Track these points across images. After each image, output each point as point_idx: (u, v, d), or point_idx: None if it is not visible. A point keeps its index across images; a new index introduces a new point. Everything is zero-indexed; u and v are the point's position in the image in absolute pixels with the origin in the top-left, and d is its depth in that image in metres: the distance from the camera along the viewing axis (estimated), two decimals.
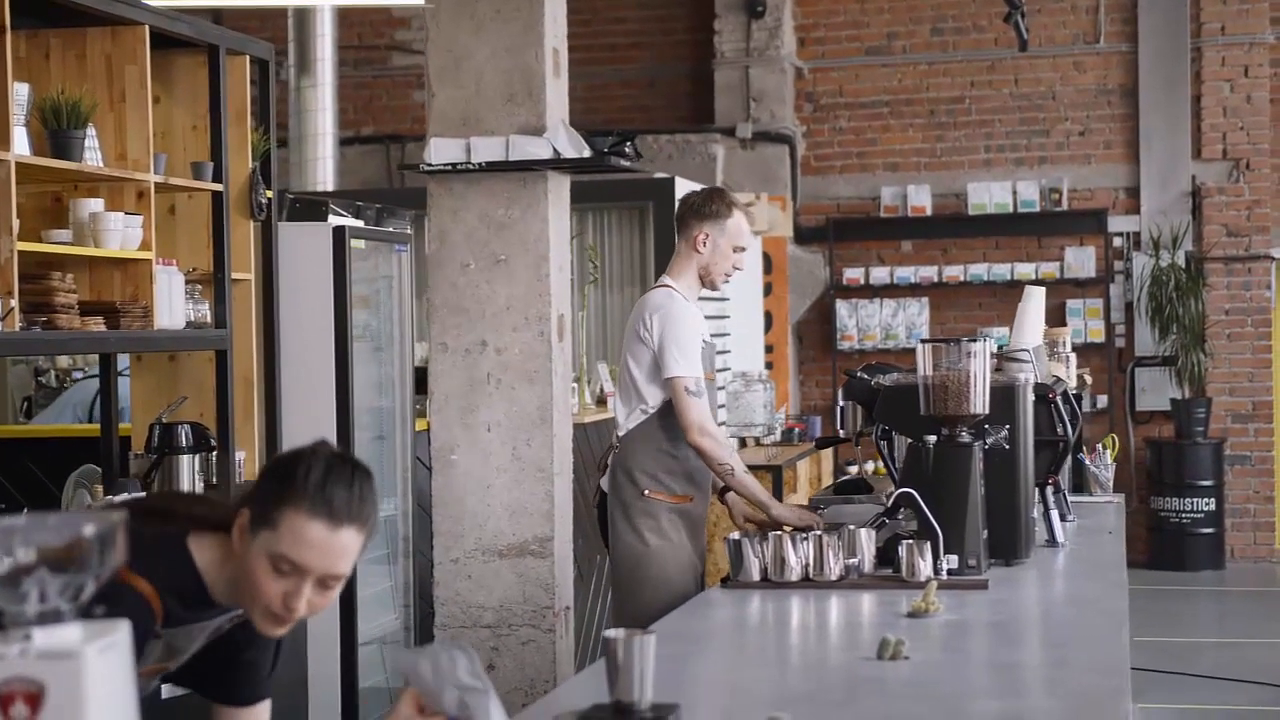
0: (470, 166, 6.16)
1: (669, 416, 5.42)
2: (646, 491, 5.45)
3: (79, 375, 9.02)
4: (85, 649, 1.79)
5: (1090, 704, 3.07)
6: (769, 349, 12.92)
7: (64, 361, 8.52)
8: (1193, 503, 12.77)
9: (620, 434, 5.58)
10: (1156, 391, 13.14)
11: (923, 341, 4.63)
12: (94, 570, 1.83)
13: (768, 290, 12.98)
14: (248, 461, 6.15)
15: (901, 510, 4.60)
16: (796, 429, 11.63)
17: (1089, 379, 11.03)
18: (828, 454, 11.72)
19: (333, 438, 6.62)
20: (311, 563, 2.67)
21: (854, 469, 12.72)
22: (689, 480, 5.50)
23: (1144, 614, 10.69)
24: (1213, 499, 12.80)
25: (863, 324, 13.50)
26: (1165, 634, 10.43)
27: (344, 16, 13.25)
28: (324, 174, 11.21)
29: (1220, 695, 8.73)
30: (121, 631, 1.85)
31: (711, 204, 5.57)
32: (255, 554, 2.68)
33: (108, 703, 1.81)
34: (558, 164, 6.21)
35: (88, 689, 1.78)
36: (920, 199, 13.41)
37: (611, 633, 2.82)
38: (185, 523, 2.81)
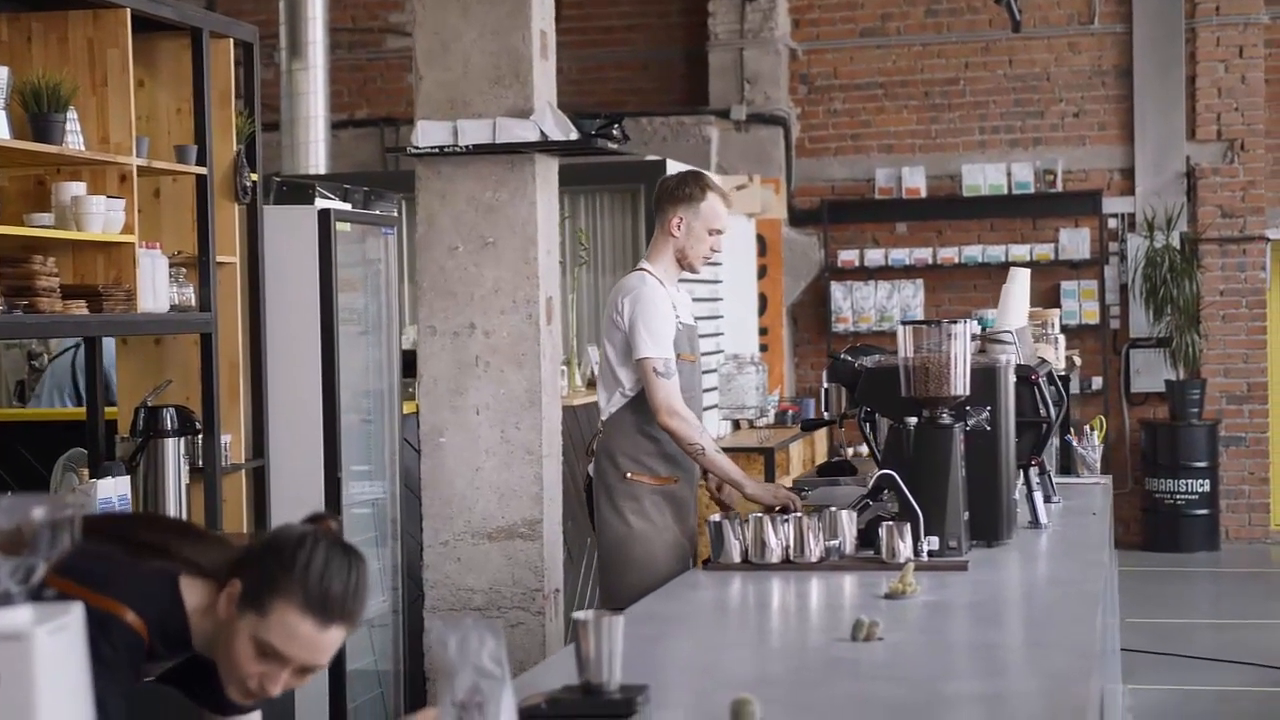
0: (457, 149, 6.16)
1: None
2: (629, 474, 5.48)
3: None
4: (36, 631, 1.79)
5: (1057, 684, 3.08)
6: (764, 331, 12.92)
7: (56, 345, 8.52)
8: (1187, 484, 12.78)
9: (603, 418, 5.61)
10: (1151, 373, 13.14)
11: (903, 323, 4.64)
12: (44, 553, 1.83)
13: (762, 272, 12.98)
14: (234, 445, 6.15)
15: (884, 492, 4.60)
16: (790, 411, 11.63)
17: (1078, 360, 11.02)
18: (821, 436, 11.73)
19: (319, 421, 6.63)
20: (296, 655, 2.68)
21: (849, 451, 12.73)
22: (672, 462, 5.51)
23: (1138, 595, 10.70)
24: (1207, 480, 12.80)
25: (857, 306, 13.50)
26: (1159, 615, 10.44)
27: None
28: (315, 157, 11.20)
29: (1213, 676, 8.74)
30: (73, 614, 1.85)
31: (685, 187, 5.59)
32: (241, 632, 2.68)
33: (59, 685, 1.81)
34: (545, 146, 6.21)
35: (38, 671, 1.79)
36: (915, 181, 13.40)
37: (580, 615, 2.83)
38: (180, 564, 2.78)
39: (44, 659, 1.80)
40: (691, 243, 5.56)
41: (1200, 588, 11.98)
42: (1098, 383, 13.10)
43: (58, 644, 1.82)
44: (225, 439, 6.00)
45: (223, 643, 2.71)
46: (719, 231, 5.60)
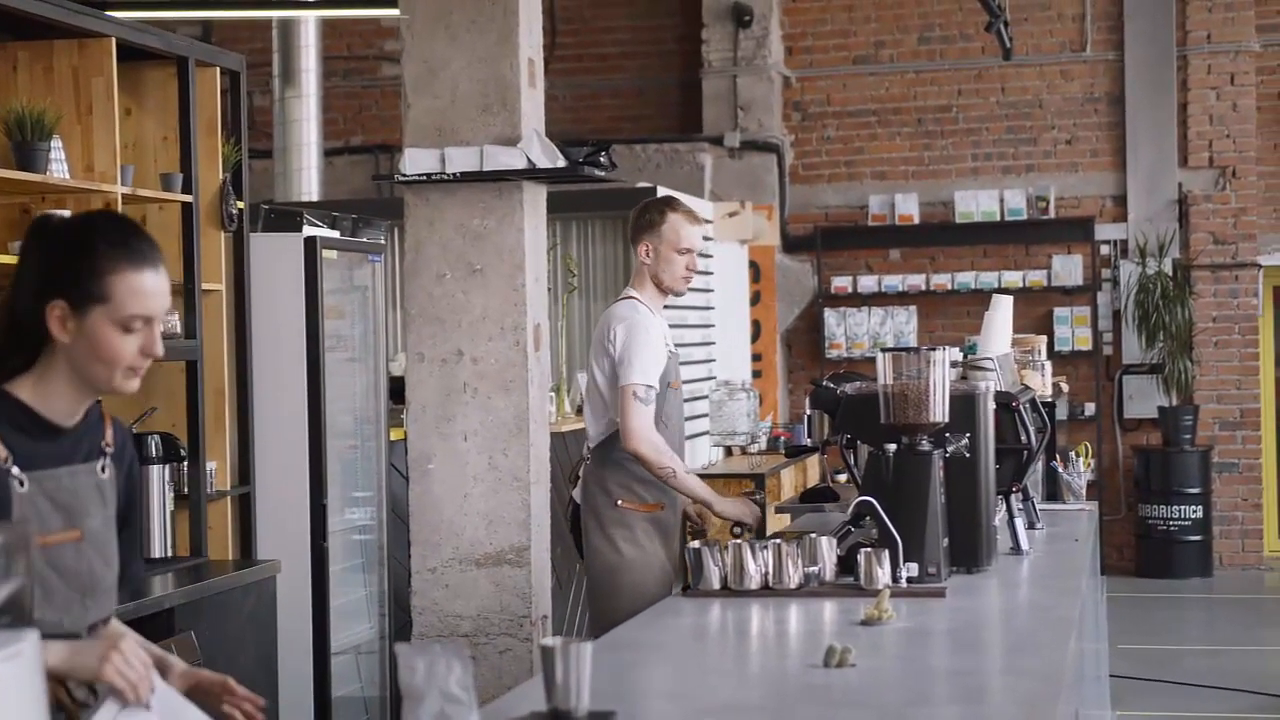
0: (445, 177, 6.18)
1: None
2: (620, 502, 5.52)
3: None
4: None
5: (1025, 710, 3.09)
6: (757, 357, 12.94)
7: None
8: (1180, 510, 12.78)
9: (591, 445, 5.65)
10: (1144, 399, 13.15)
11: (883, 350, 4.65)
12: None
13: (756, 299, 13.01)
14: (219, 471, 6.17)
15: (864, 518, 4.60)
16: (783, 437, 11.63)
17: (1065, 387, 11.04)
18: (814, 462, 11.73)
19: (305, 448, 6.64)
20: (155, 309, 2.82)
21: (843, 477, 12.73)
22: (658, 489, 5.54)
23: (1130, 621, 10.71)
24: (1200, 506, 12.81)
25: (851, 332, 13.51)
26: (1151, 642, 10.43)
27: (333, 27, 13.29)
28: (308, 184, 11.23)
29: (1205, 703, 8.73)
30: (29, 641, 1.87)
31: (646, 214, 5.72)
32: (96, 330, 2.78)
33: (15, 710, 1.82)
34: (532, 174, 6.23)
35: None
36: (908, 207, 13.43)
37: (548, 641, 2.84)
38: None
39: None
40: (663, 266, 5.64)
41: (1193, 614, 11.97)
42: (1090, 409, 13.11)
43: (12, 670, 1.83)
44: (211, 466, 6.02)
45: (85, 355, 2.80)
46: (688, 250, 5.66)
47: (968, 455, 4.70)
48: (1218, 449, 13.11)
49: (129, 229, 2.86)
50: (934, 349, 4.60)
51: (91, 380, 2.83)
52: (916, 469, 4.55)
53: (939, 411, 4.57)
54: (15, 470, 2.78)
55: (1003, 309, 5.74)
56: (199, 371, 5.92)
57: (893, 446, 4.58)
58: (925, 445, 4.59)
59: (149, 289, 2.81)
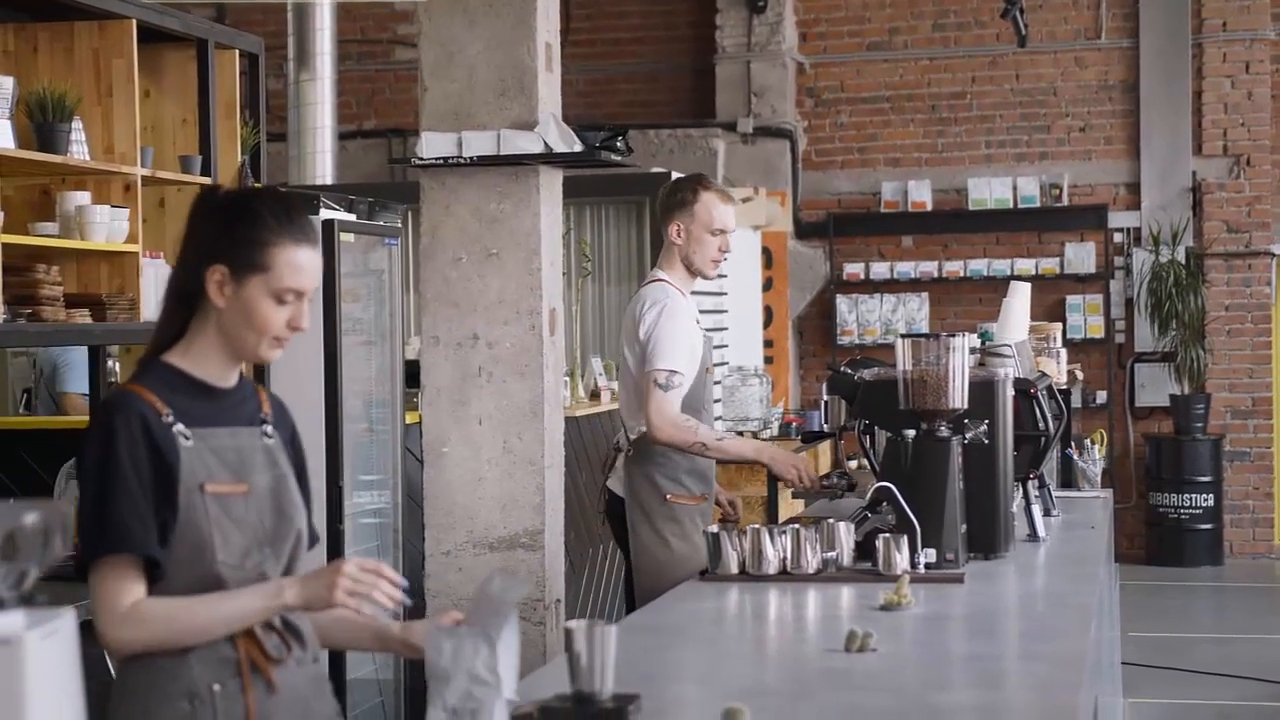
0: (462, 161, 6.18)
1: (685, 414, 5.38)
2: (669, 495, 5.41)
3: None
4: (27, 636, 1.81)
5: (1045, 696, 3.10)
6: (769, 344, 12.94)
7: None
8: (1191, 498, 12.78)
9: (631, 436, 5.50)
10: (1156, 387, 13.14)
11: (902, 336, 4.65)
12: (36, 558, 1.85)
13: (768, 285, 13.00)
14: None
15: (882, 504, 4.60)
16: (795, 424, 11.63)
17: (1080, 374, 11.04)
18: (826, 448, 11.73)
19: (322, 431, 6.65)
20: (308, 285, 2.95)
21: (853, 464, 12.73)
22: (703, 479, 5.48)
23: (1141, 609, 10.71)
24: (1211, 495, 12.80)
25: (863, 319, 13.51)
26: (1162, 630, 10.44)
27: (347, 11, 13.29)
28: (323, 168, 11.23)
29: (1215, 691, 8.74)
30: (65, 619, 1.88)
31: (678, 193, 5.55)
32: (252, 298, 2.92)
33: (50, 690, 1.83)
34: (549, 158, 6.23)
35: (28, 675, 1.80)
36: (921, 194, 13.42)
37: (572, 624, 2.84)
38: (152, 352, 3.02)
39: (35, 664, 1.81)
40: (694, 248, 5.50)
41: (1203, 602, 11.97)
42: (1102, 397, 13.10)
43: (49, 649, 1.84)
44: None
45: (237, 322, 2.94)
46: (721, 231, 5.51)
47: (986, 442, 4.70)
48: (1229, 437, 13.10)
49: (293, 205, 3.00)
50: (954, 335, 4.60)
51: (239, 347, 2.97)
52: (935, 455, 4.55)
53: (958, 398, 4.57)
54: (179, 427, 2.92)
55: (1020, 295, 5.73)
56: None
57: (911, 432, 4.58)
58: (944, 431, 4.59)
59: (306, 264, 2.94)
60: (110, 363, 6.59)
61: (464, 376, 6.19)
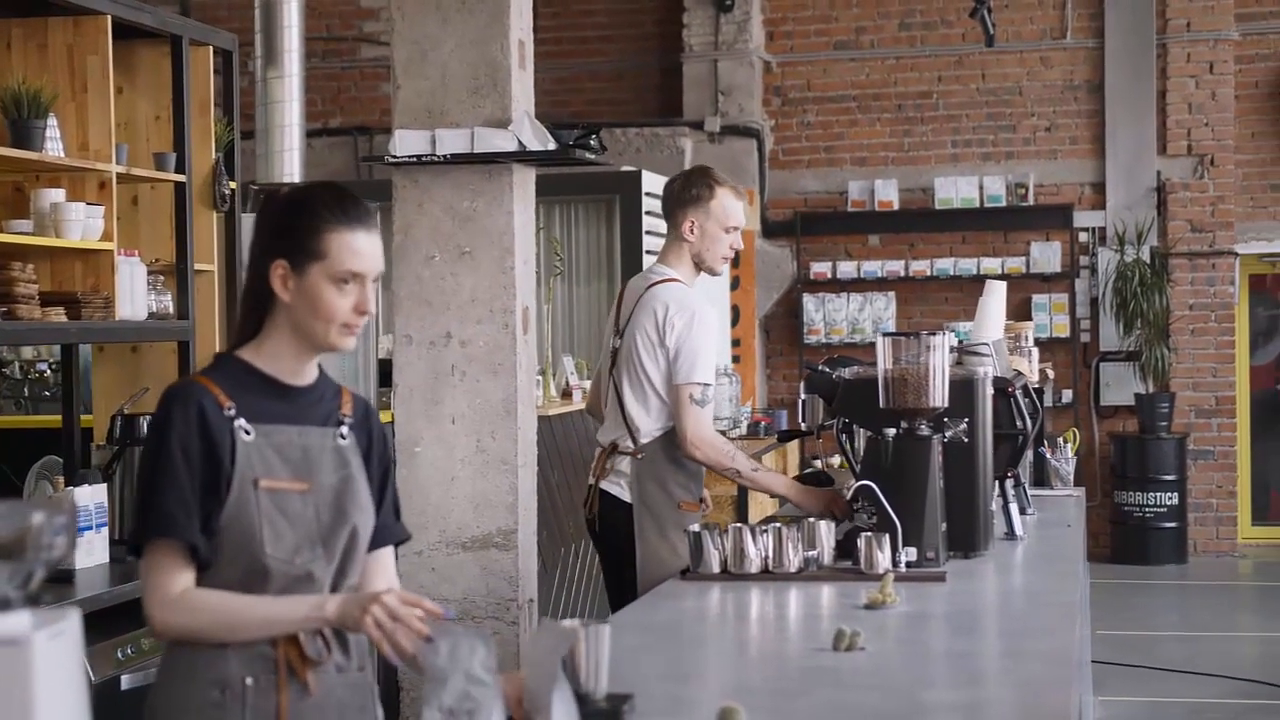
0: (435, 159, 6.16)
1: None
2: (682, 503, 5.27)
3: (43, 367, 8.98)
4: (35, 636, 1.79)
5: (1037, 693, 3.10)
6: (736, 343, 12.95)
7: (28, 352, 8.48)
8: (1156, 497, 12.84)
9: (643, 440, 5.31)
10: (1120, 386, 13.20)
11: (883, 335, 4.65)
12: (43, 558, 1.83)
13: (735, 284, 13.01)
14: None
15: (860, 502, 4.60)
16: (764, 423, 11.64)
17: (1051, 374, 11.08)
18: (793, 448, 11.75)
19: None
20: (367, 267, 3.00)
21: (818, 462, 12.75)
22: (700, 484, 5.40)
23: (1106, 607, 10.75)
24: (1175, 493, 12.87)
25: (830, 318, 13.53)
26: (1127, 627, 10.48)
27: (312, 8, 13.22)
28: (290, 165, 11.14)
29: (1182, 688, 8.78)
30: (71, 620, 1.86)
31: (692, 188, 5.36)
32: (314, 286, 2.98)
33: (58, 691, 1.82)
34: (523, 156, 6.22)
35: (37, 677, 1.79)
36: (887, 194, 13.45)
37: (567, 623, 2.84)
38: (228, 348, 3.09)
39: (43, 664, 1.80)
40: (707, 245, 5.34)
41: (1168, 600, 12.03)
42: (1068, 396, 13.16)
43: (56, 649, 1.82)
44: None
45: (305, 313, 3.00)
46: (735, 228, 5.37)
47: (966, 440, 4.70)
48: (1193, 436, 13.17)
49: (345, 194, 3.06)
50: (934, 333, 4.61)
51: (310, 337, 3.02)
52: (916, 454, 4.56)
53: (939, 396, 4.57)
54: (241, 421, 2.97)
55: (997, 295, 5.74)
56: (191, 352, 5.89)
57: (892, 431, 4.58)
58: (925, 430, 4.59)
59: (362, 247, 3.00)
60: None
61: (437, 375, 6.17)
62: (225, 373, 3.03)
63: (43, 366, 9.13)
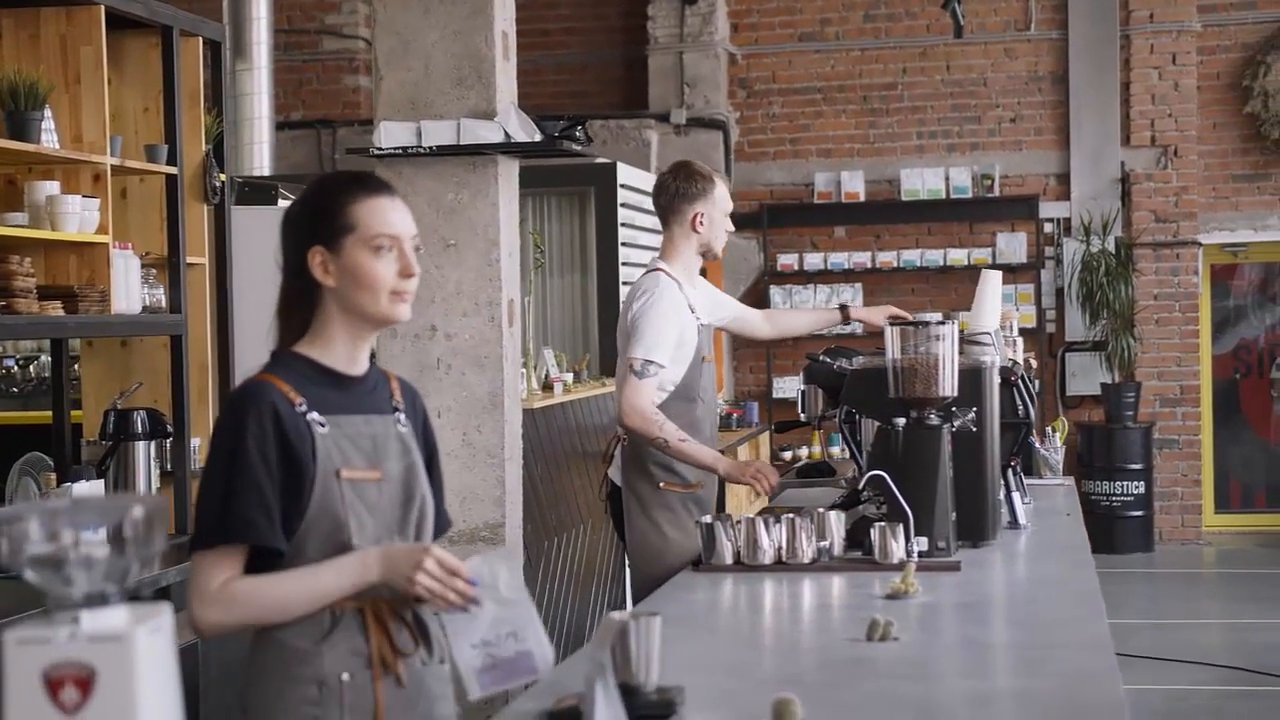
0: (421, 150, 6.13)
1: (677, 404, 5.36)
2: (662, 484, 5.40)
3: (10, 363, 8.90)
4: (135, 631, 1.77)
5: (1085, 683, 3.11)
6: None
7: (26, 346, 8.41)
8: (1122, 486, 12.91)
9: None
10: (1087, 376, 13.26)
11: (891, 324, 4.64)
12: (140, 552, 1.81)
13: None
14: (203, 448, 6.08)
15: (864, 491, 4.59)
16: (735, 415, 11.66)
17: (1034, 362, 11.14)
18: (764, 439, 11.77)
19: None
20: (399, 229, 3.00)
21: (788, 455, 12.77)
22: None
23: None
24: (1142, 482, 12.94)
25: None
26: None
27: (275, 0, 13.13)
28: (260, 158, 11.10)
29: (1151, 675, 8.83)
30: (166, 614, 1.83)
31: (696, 183, 5.52)
32: (354, 261, 2.97)
33: (157, 683, 1.80)
34: (508, 148, 6.19)
35: (138, 671, 1.77)
36: (854, 185, 13.46)
37: (618, 615, 2.81)
38: (281, 345, 3.07)
39: (143, 658, 1.78)
40: (714, 232, 5.56)
41: (1136, 588, 12.09)
42: (1035, 385, 13.19)
43: (155, 643, 1.80)
44: (195, 442, 5.94)
45: (351, 289, 2.98)
46: (729, 212, 5.64)
47: (974, 429, 4.70)
48: (1159, 425, 13.25)
49: (358, 173, 3.10)
50: (943, 322, 4.60)
51: (362, 313, 3.00)
52: (926, 443, 4.55)
53: (948, 385, 4.57)
54: (314, 415, 2.96)
55: (993, 284, 5.74)
56: (183, 346, 5.83)
57: (902, 421, 4.58)
58: (934, 419, 4.59)
59: (388, 210, 3.00)
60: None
61: (422, 369, 6.15)
62: (288, 369, 3.00)
63: (10, 363, 9.05)
